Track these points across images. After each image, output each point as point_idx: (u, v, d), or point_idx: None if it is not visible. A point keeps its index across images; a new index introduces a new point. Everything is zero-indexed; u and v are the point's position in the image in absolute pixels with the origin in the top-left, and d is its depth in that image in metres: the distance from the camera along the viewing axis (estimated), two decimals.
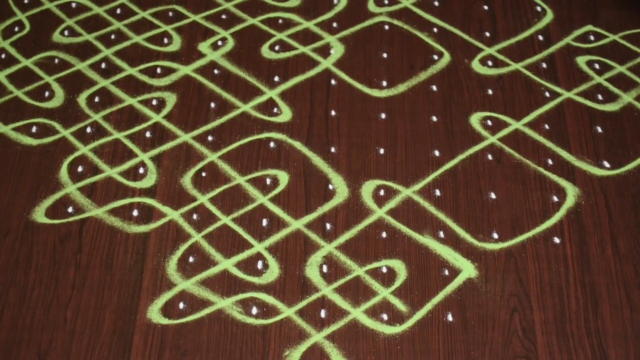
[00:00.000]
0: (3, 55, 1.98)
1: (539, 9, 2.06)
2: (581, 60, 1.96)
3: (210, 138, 1.84)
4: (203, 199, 1.75)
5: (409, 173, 1.79)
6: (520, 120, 1.86)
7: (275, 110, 1.89)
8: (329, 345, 1.59)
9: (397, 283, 1.63)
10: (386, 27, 2.04)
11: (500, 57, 1.97)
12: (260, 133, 1.85)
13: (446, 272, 1.65)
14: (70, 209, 1.73)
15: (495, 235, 1.69)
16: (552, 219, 1.72)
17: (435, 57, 1.97)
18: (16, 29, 2.03)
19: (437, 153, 1.81)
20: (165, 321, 1.61)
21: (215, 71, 1.96)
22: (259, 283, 1.64)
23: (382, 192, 1.76)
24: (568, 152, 1.81)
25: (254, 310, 1.62)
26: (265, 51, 1.99)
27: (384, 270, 1.65)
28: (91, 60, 1.98)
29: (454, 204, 1.74)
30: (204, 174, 1.79)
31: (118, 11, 2.07)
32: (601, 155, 1.80)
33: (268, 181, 1.78)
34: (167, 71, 1.95)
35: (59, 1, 2.09)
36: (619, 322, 1.61)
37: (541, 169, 1.79)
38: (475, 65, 1.96)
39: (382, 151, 1.82)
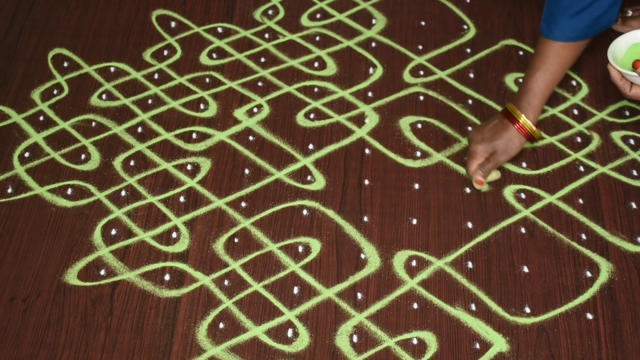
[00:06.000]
0: (41, 118, 2.00)
1: (574, 83, 2.06)
2: (616, 135, 1.96)
3: (243, 204, 1.85)
4: (235, 265, 1.75)
5: (441, 244, 1.78)
6: (554, 194, 1.86)
7: (308, 178, 1.89)
8: None
9: (428, 355, 1.62)
10: (421, 97, 2.05)
11: None
12: (294, 200, 1.86)
13: (477, 346, 1.63)
14: (102, 272, 1.74)
15: (528, 310, 1.68)
16: (585, 295, 1.70)
17: (470, 128, 1.98)
18: (55, 91, 2.06)
19: (470, 225, 1.81)
20: None
21: (250, 138, 1.97)
22: (289, 351, 1.63)
23: (414, 263, 1.75)
24: (602, 227, 1.80)
25: None
26: (300, 119, 2.01)
27: (415, 341, 1.64)
28: (128, 124, 2.00)
29: (486, 277, 1.73)
30: (236, 240, 1.79)
31: (156, 76, 2.09)
32: (635, 231, 1.79)
33: (300, 249, 1.78)
34: (203, 137, 1.97)
35: (97, 65, 2.12)
36: None
37: (574, 244, 1.78)
38: None
39: (414, 221, 1.82)
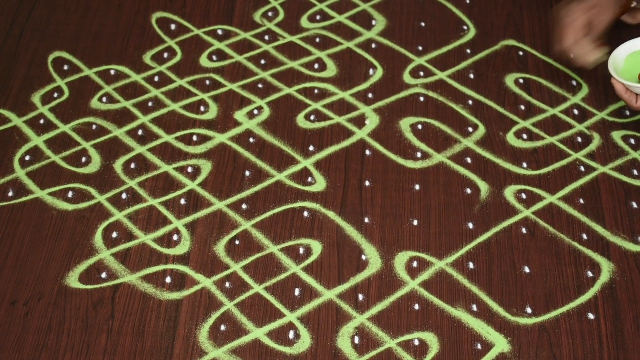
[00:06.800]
0: (42, 121, 2.00)
1: (574, 82, 2.06)
2: (616, 135, 1.96)
3: (244, 206, 1.85)
4: (236, 267, 1.75)
5: (442, 245, 1.78)
6: (555, 194, 1.86)
7: (309, 179, 1.89)
8: None
9: (429, 356, 1.62)
10: (421, 98, 2.05)
11: (535, 130, 1.97)
12: (294, 202, 1.86)
13: (479, 346, 1.63)
14: (103, 275, 1.74)
15: (529, 310, 1.68)
16: (586, 295, 1.70)
17: (470, 129, 1.98)
18: (55, 94, 2.06)
19: (470, 225, 1.81)
20: None
21: (251, 139, 1.97)
22: (290, 353, 1.63)
23: (415, 264, 1.75)
24: (603, 227, 1.80)
25: None
26: (301, 120, 2.01)
27: (416, 342, 1.64)
28: (128, 127, 2.00)
29: (487, 277, 1.73)
30: (237, 242, 1.79)
31: (156, 79, 2.09)
32: (636, 230, 1.79)
33: (301, 250, 1.78)
34: (203, 139, 1.97)
35: (98, 68, 2.12)
36: None
37: (575, 244, 1.78)
38: (510, 138, 1.96)
39: (415, 222, 1.82)
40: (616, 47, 1.86)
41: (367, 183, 1.89)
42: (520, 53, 2.13)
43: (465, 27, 2.21)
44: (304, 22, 2.23)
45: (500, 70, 2.10)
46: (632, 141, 1.95)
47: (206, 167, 1.92)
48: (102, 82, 2.09)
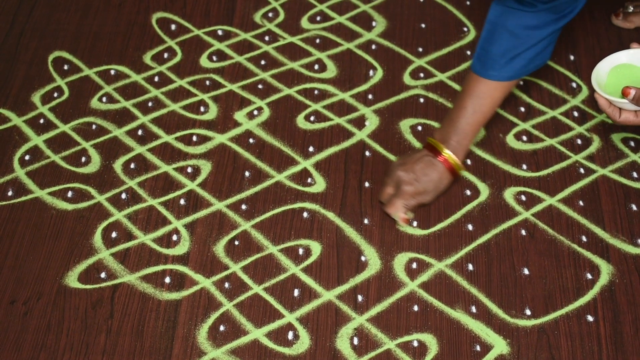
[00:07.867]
0: (42, 120, 2.00)
1: (574, 85, 2.06)
2: (616, 137, 1.96)
3: (244, 207, 1.85)
4: (235, 268, 1.75)
5: (441, 246, 1.78)
6: (555, 196, 1.86)
7: (309, 180, 1.89)
8: None
9: (428, 357, 1.62)
10: (421, 99, 2.05)
11: (535, 132, 1.97)
12: (294, 203, 1.86)
13: (478, 348, 1.63)
14: (103, 275, 1.74)
15: (528, 312, 1.68)
16: (586, 297, 1.70)
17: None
18: (55, 94, 2.06)
19: (470, 227, 1.81)
20: None
21: (251, 140, 1.97)
22: (289, 354, 1.63)
23: (414, 265, 1.75)
24: (602, 230, 1.80)
25: None
26: (301, 121, 2.01)
27: (415, 344, 1.64)
28: (128, 127, 2.00)
29: (486, 279, 1.73)
30: (236, 243, 1.79)
31: (156, 79, 2.09)
32: (636, 233, 1.79)
33: (300, 251, 1.78)
34: (203, 139, 1.97)
35: (98, 68, 2.12)
36: None
37: (575, 246, 1.78)
38: (510, 139, 1.96)
39: (415, 224, 1.82)
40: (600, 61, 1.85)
41: (367, 184, 1.89)
42: None
43: (465, 29, 2.21)
44: (304, 23, 2.23)
45: None
46: (632, 143, 1.95)
47: (206, 167, 1.92)
48: (102, 82, 2.09)
